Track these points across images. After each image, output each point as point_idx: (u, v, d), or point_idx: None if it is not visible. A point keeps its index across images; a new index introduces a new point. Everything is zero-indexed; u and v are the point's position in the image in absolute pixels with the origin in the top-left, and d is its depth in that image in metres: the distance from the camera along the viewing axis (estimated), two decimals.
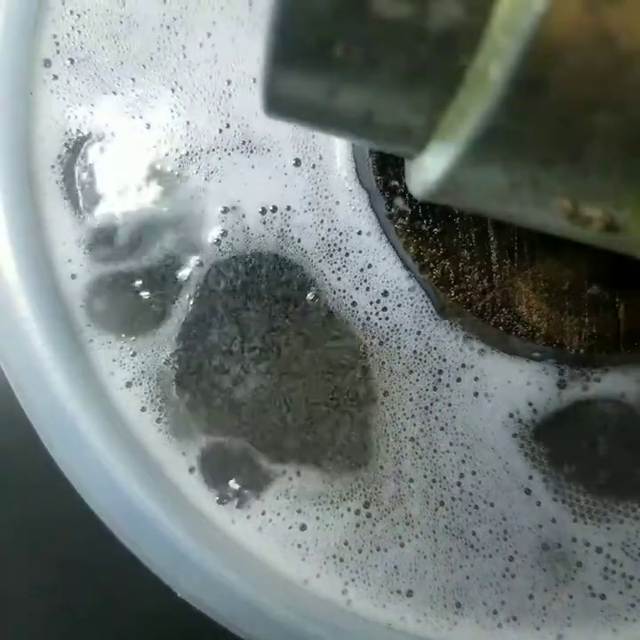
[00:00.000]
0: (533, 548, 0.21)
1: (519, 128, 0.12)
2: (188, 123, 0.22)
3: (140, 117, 0.22)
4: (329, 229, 0.22)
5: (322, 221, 0.22)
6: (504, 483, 0.21)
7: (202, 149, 0.22)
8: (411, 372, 0.21)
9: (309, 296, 0.21)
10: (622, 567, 0.21)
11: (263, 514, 0.21)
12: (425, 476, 0.21)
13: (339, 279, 0.22)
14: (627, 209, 0.13)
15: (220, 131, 0.22)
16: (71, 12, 0.22)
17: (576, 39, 0.11)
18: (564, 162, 0.13)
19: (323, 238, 0.22)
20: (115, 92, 0.22)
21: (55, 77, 0.22)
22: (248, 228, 0.22)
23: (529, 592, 0.21)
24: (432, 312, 0.21)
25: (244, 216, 0.22)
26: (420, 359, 0.21)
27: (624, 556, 0.21)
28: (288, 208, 0.22)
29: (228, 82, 0.22)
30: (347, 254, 0.22)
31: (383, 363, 0.21)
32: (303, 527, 0.21)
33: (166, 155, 0.22)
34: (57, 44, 0.22)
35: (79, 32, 0.22)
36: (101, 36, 0.22)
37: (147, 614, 0.27)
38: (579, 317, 0.20)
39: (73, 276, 0.22)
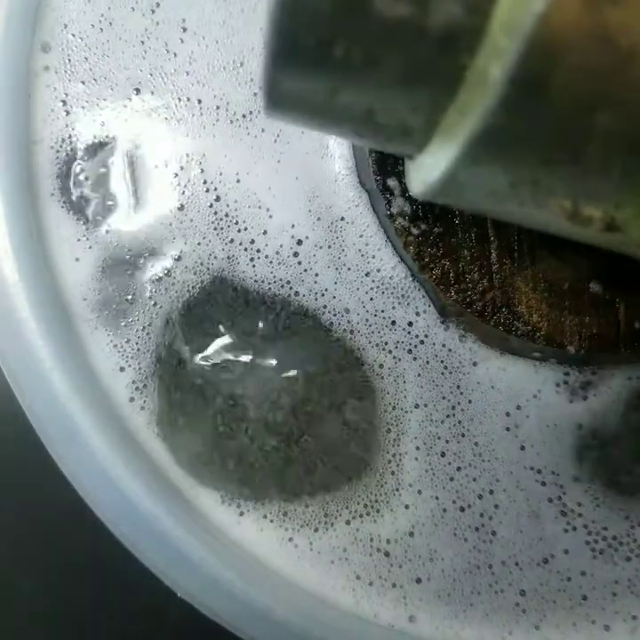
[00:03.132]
0: (544, 580, 0.21)
1: (519, 128, 0.12)
2: (218, 104, 0.22)
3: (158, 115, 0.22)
4: (368, 244, 0.22)
5: (362, 236, 0.22)
6: (517, 504, 0.21)
7: (250, 111, 0.22)
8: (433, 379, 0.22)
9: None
10: (627, 605, 0.21)
11: (265, 517, 0.21)
12: (454, 502, 0.21)
13: (372, 299, 0.22)
14: (627, 209, 0.13)
15: (255, 94, 0.22)
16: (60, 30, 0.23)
17: (576, 39, 0.11)
18: (564, 162, 0.13)
19: (362, 255, 0.22)
20: (125, 103, 0.22)
21: (56, 80, 0.22)
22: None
23: (536, 624, 0.21)
24: (433, 312, 0.21)
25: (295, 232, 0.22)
26: (428, 365, 0.21)
27: (628, 593, 0.21)
28: (342, 219, 0.22)
29: (234, 54, 0.22)
30: (378, 271, 0.22)
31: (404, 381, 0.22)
32: (306, 536, 0.21)
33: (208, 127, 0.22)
34: (55, 48, 0.22)
35: (75, 44, 0.23)
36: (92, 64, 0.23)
37: (147, 614, 0.27)
38: (579, 317, 0.20)
39: (73, 277, 0.22)
